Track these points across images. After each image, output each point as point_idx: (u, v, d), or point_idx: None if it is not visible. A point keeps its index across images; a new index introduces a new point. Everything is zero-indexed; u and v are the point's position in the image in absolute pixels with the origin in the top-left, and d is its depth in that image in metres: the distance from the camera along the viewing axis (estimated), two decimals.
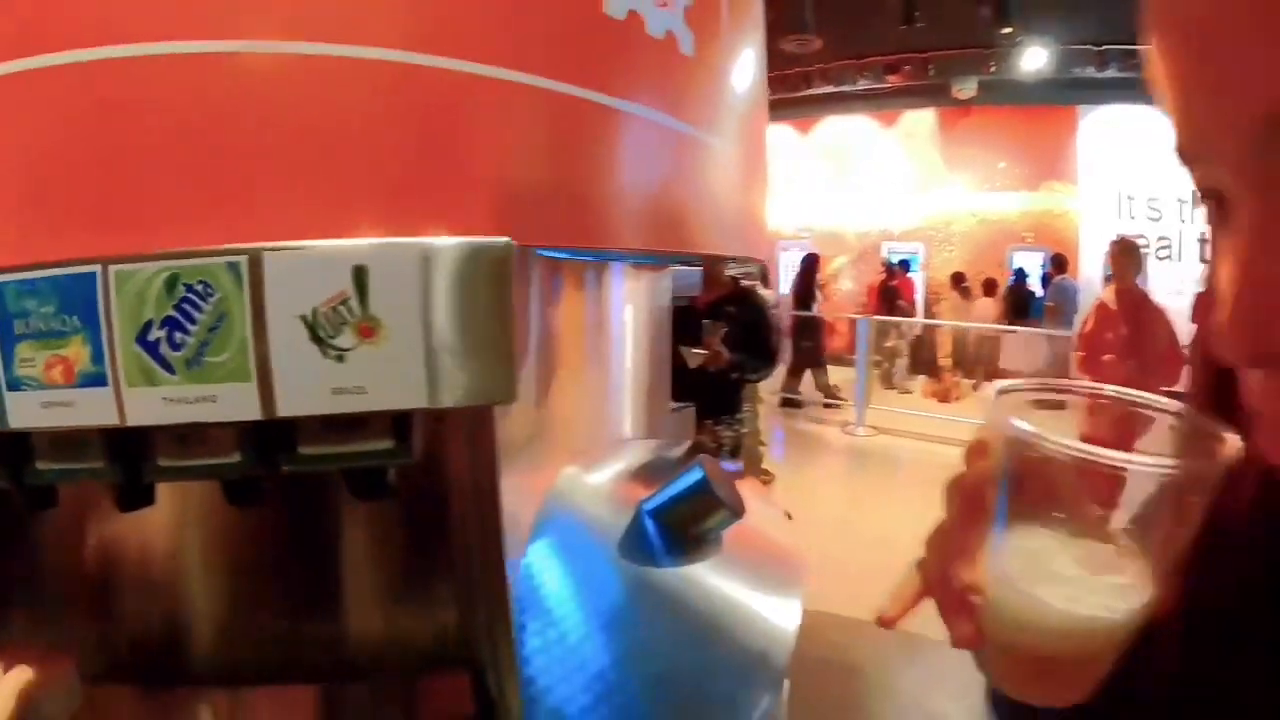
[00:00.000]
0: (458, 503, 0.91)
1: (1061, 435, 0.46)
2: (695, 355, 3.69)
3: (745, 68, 1.41)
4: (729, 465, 3.11)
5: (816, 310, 10.09)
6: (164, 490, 0.82)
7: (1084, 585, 0.49)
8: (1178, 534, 0.48)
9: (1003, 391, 0.51)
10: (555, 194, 0.89)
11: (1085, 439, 0.47)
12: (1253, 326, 0.37)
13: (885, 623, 0.65)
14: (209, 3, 0.68)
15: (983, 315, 10.55)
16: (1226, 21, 0.35)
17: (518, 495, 1.18)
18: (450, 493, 0.93)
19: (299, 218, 0.62)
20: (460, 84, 0.76)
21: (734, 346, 3.78)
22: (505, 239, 0.59)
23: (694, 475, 1.36)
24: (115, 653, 1.02)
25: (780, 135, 14.02)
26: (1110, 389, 0.54)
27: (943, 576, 0.56)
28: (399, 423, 0.62)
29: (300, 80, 0.69)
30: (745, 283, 4.63)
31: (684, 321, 3.66)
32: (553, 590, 1.16)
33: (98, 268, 0.56)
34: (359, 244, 0.57)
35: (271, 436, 0.62)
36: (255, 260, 0.56)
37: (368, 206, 0.66)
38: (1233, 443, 0.46)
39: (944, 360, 10.90)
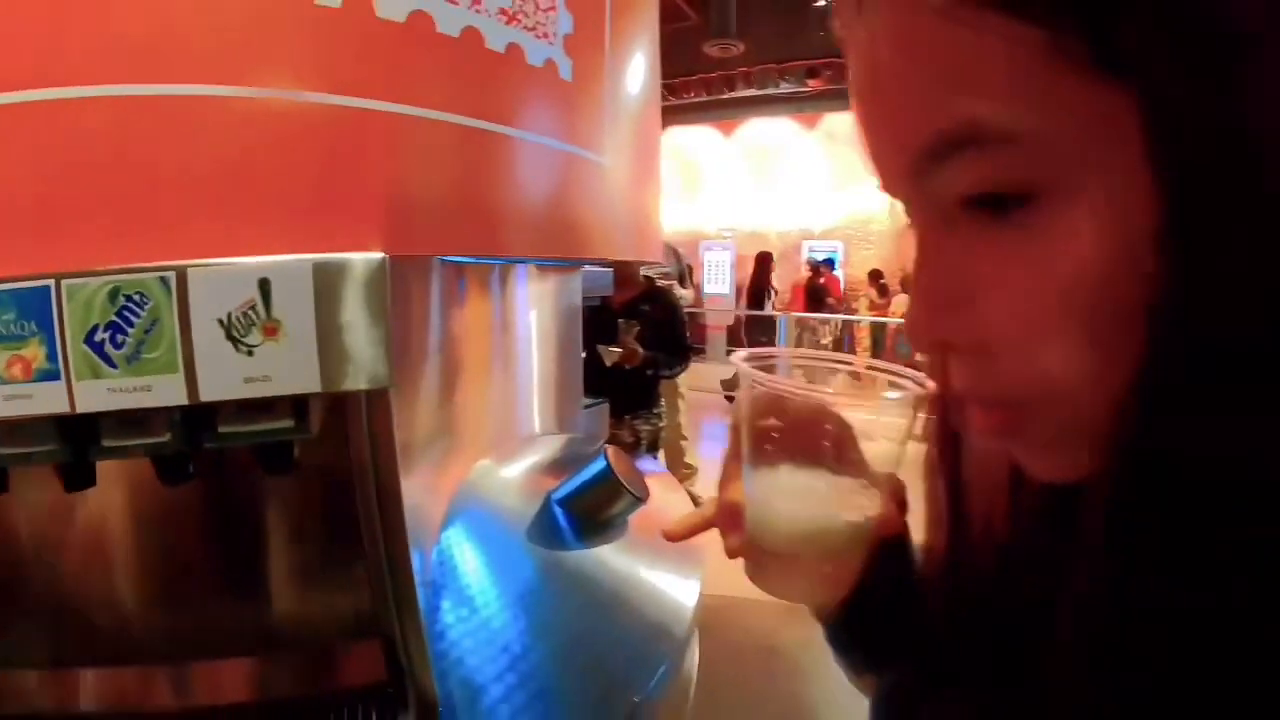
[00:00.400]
0: (363, 487, 1.00)
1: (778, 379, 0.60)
2: (611, 353, 3.78)
3: (630, 86, 1.50)
4: (650, 459, 3.23)
5: (770, 309, 10.22)
6: (100, 476, 0.90)
7: (811, 501, 0.61)
8: (895, 453, 0.61)
9: (749, 358, 0.63)
10: (448, 209, 1.00)
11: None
12: (922, 324, 0.44)
13: (668, 535, 0.79)
14: (144, 51, 0.79)
15: (900, 311, 10.81)
16: (876, 86, 0.42)
17: (429, 485, 1.28)
18: (356, 478, 1.01)
19: (218, 238, 0.74)
20: (356, 119, 0.88)
21: (648, 344, 3.88)
22: (380, 254, 0.72)
23: (598, 465, 1.46)
24: (47, 634, 1.07)
25: (704, 137, 14.18)
26: (841, 357, 0.68)
27: (720, 499, 0.69)
28: (298, 405, 0.75)
29: (218, 120, 0.80)
30: (664, 282, 4.75)
31: (601, 320, 3.76)
32: (467, 571, 1.25)
33: (51, 281, 0.67)
34: (263, 260, 0.69)
35: (196, 418, 0.74)
36: (181, 275, 0.68)
37: (277, 228, 0.79)
38: (917, 386, 0.59)
39: (862, 355, 11.14)
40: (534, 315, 1.70)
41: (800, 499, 0.61)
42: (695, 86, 12.35)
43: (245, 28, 0.84)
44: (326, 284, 0.70)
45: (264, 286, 0.68)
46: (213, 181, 0.79)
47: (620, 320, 3.86)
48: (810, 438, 0.61)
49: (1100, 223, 0.36)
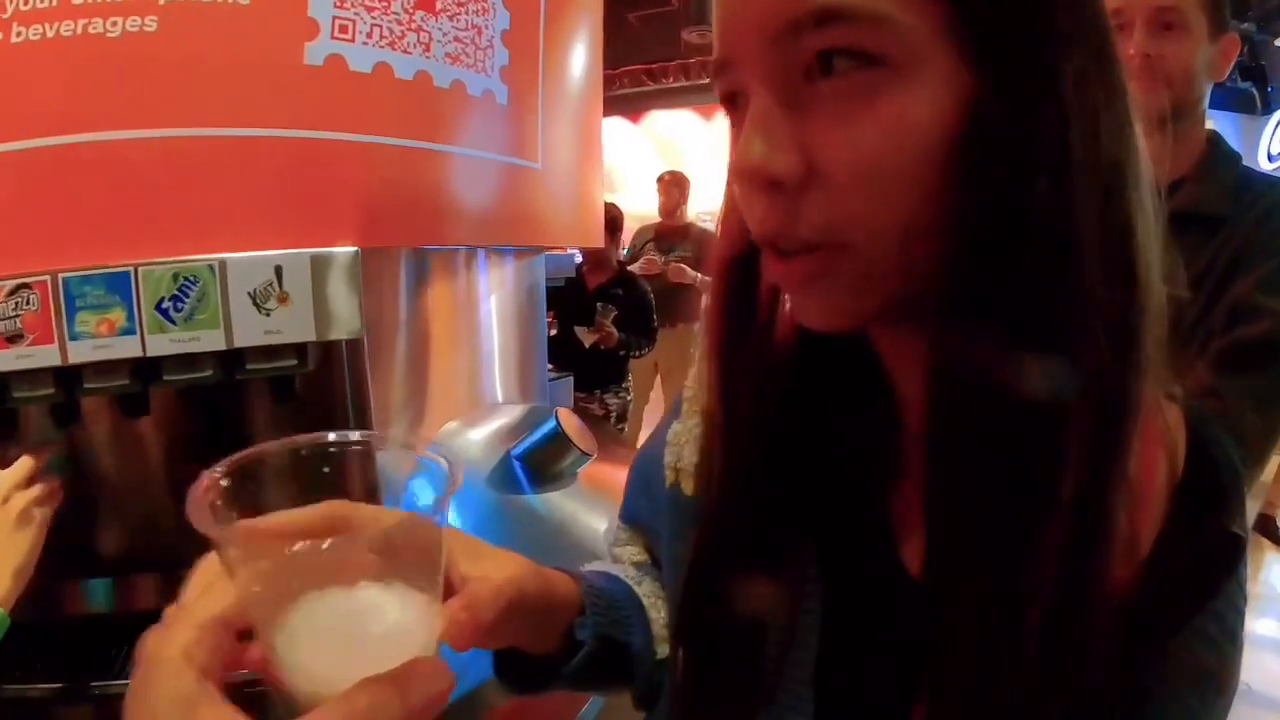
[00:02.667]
0: (343, 422, 1.26)
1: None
2: (589, 335, 3.98)
3: (566, 100, 1.75)
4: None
5: None
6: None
7: (337, 654, 0.42)
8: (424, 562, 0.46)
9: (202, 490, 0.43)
10: (406, 211, 1.30)
11: None
12: (757, 160, 0.46)
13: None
14: (189, 103, 1.11)
15: None
16: None
17: (400, 437, 1.55)
18: (339, 414, 1.27)
19: (247, 238, 1.07)
20: (336, 149, 1.20)
21: (620, 326, 4.08)
22: (355, 248, 1.06)
23: (549, 425, 1.72)
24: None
25: (685, 121, 14.31)
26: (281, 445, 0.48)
27: None
28: (300, 349, 1.07)
29: (241, 152, 1.13)
30: (678, 264, 4.94)
31: (578, 303, 3.96)
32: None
33: (131, 268, 1.00)
34: (277, 253, 1.03)
35: (232, 359, 1.06)
36: (223, 263, 1.01)
37: (286, 230, 1.12)
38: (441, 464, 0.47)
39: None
40: (495, 296, 1.91)
41: (324, 653, 0.42)
42: (675, 71, 12.45)
43: (256, 83, 1.16)
44: (319, 268, 1.03)
45: (278, 270, 1.02)
46: (241, 198, 1.12)
47: (598, 304, 4.06)
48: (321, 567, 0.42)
49: (933, 95, 0.44)
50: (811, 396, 0.60)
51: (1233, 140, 1.64)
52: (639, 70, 10.14)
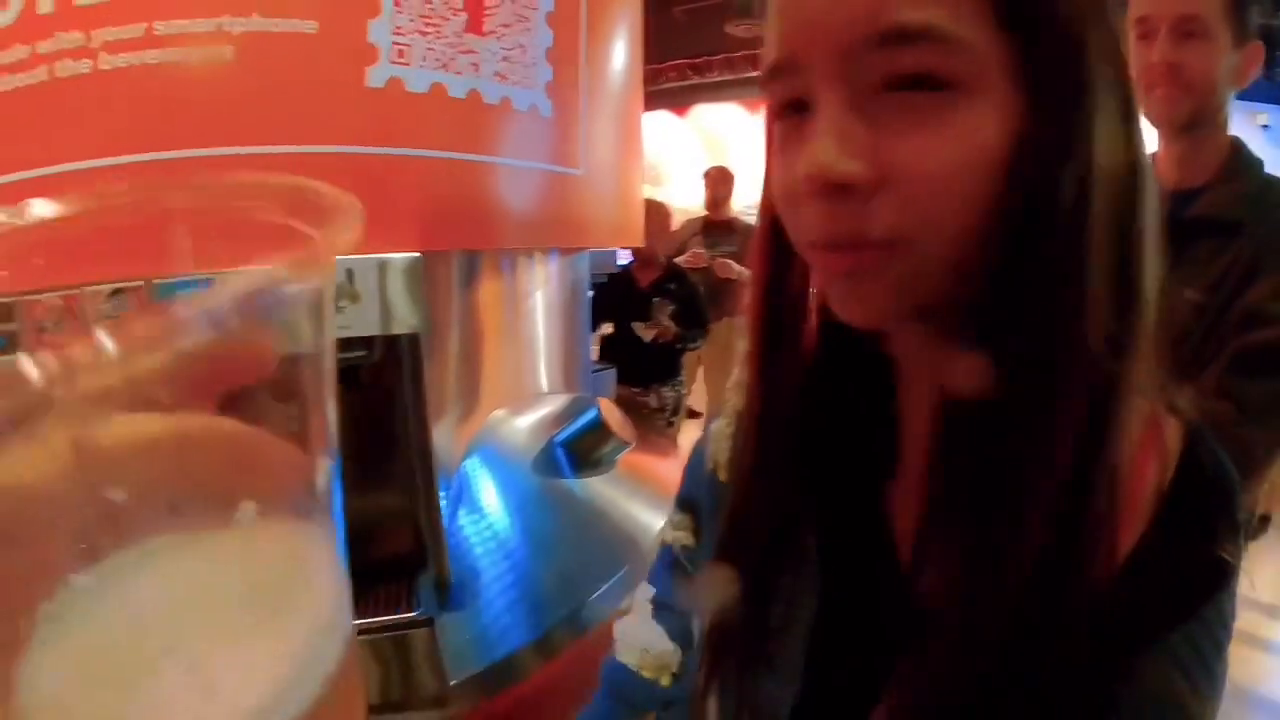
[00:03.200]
0: (402, 411, 1.37)
1: None
2: (647, 330, 4.02)
3: (606, 111, 1.85)
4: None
5: None
6: None
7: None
8: None
9: None
10: (458, 217, 1.42)
11: None
12: (829, 166, 0.48)
13: None
14: (259, 123, 1.24)
15: None
16: None
17: (453, 427, 1.66)
18: (398, 404, 1.38)
19: None
20: (395, 163, 1.32)
21: (676, 320, 4.10)
22: (416, 254, 1.18)
23: (592, 413, 1.85)
24: None
25: (730, 115, 14.27)
26: None
27: None
28: (367, 341, 1.20)
29: (311, 167, 1.25)
30: (723, 259, 5.01)
31: (630, 298, 4.00)
32: (480, 488, 1.63)
33: (216, 275, 1.13)
34: (348, 258, 1.14)
35: None
36: None
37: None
38: None
39: None
40: (540, 292, 2.00)
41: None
42: (719, 65, 12.39)
43: (323, 105, 1.29)
44: (384, 271, 1.16)
45: (349, 274, 1.15)
46: None
47: (654, 300, 4.10)
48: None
49: (994, 116, 0.47)
50: (830, 398, 0.63)
51: None
52: (684, 64, 10.15)
